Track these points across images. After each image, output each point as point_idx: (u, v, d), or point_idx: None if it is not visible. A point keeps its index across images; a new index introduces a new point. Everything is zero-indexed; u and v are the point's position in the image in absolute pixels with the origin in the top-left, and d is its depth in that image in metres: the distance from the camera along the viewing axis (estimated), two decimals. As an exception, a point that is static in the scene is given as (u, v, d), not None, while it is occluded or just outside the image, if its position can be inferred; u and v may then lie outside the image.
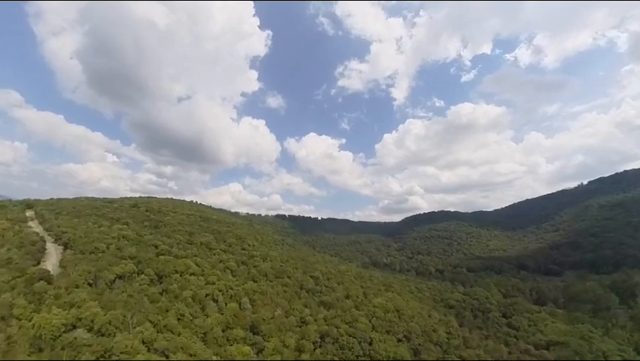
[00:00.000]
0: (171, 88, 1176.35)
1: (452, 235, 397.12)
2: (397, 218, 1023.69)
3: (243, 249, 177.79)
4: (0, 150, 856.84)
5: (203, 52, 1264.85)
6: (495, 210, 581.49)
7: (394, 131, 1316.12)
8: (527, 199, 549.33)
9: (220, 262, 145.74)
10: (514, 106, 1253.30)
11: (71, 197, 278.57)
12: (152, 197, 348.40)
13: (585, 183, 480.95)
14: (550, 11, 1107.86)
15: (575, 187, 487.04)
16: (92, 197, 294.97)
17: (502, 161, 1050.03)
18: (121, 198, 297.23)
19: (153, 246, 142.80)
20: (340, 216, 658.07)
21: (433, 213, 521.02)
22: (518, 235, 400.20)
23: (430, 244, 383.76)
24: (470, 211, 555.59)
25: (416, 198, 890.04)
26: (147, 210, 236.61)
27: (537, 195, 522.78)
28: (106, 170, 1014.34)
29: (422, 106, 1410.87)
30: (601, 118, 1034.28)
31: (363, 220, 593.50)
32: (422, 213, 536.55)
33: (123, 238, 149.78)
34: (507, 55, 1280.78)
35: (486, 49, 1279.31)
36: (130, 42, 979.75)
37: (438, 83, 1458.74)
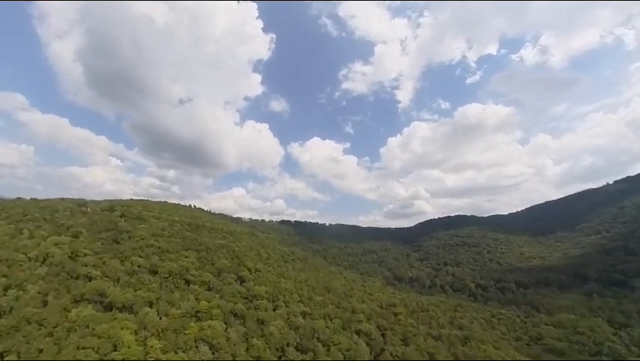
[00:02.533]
0: (172, 90, 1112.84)
1: (479, 242, 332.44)
2: (402, 223, 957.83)
3: (239, 278, 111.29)
4: (5, 152, 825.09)
5: (204, 54, 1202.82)
6: (510, 213, 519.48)
7: (398, 135, 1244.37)
8: (546, 202, 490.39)
9: (197, 313, 78.86)
10: (523, 106, 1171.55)
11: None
12: (143, 199, 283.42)
13: (611, 182, 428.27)
14: (555, 10, 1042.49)
15: (600, 187, 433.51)
16: (68, 198, 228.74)
17: (510, 163, 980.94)
18: (96, 200, 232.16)
19: (84, 278, 77.54)
20: (344, 221, 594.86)
21: (449, 217, 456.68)
22: (550, 240, 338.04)
23: (456, 253, 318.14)
24: (479, 215, 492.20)
25: (422, 203, 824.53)
26: (121, 216, 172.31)
27: (554, 198, 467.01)
28: (110, 173, 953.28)
29: (428, 108, 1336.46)
30: (610, 117, 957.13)
31: (371, 226, 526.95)
32: (436, 218, 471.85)
33: (44, 258, 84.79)
34: (512, 55, 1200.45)
35: (492, 49, 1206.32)
36: (129, 41, 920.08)
37: (443, 85, 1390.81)
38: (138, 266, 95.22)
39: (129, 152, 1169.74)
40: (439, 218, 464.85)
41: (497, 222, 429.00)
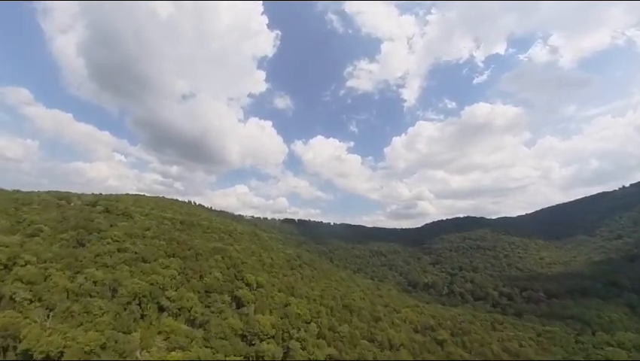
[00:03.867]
0: (175, 85, 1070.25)
1: (493, 246, 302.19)
2: (405, 223, 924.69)
3: (235, 300, 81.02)
4: (10, 146, 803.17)
5: (209, 50, 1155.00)
6: (519, 216, 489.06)
7: (403, 134, 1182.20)
8: (558, 204, 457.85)
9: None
10: (531, 107, 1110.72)
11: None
12: (138, 194, 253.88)
13: (627, 185, 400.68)
14: (565, 9, 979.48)
15: (616, 190, 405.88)
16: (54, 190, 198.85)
17: (517, 165, 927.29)
18: (86, 193, 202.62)
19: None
20: (347, 220, 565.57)
21: (458, 218, 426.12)
22: (567, 244, 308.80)
23: (471, 257, 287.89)
24: (488, 217, 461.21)
25: (425, 204, 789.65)
26: (105, 211, 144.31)
27: (560, 201, 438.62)
28: (113, 169, 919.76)
29: (434, 108, 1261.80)
30: (619, 121, 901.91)
31: (375, 226, 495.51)
32: (444, 219, 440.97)
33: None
34: (521, 55, 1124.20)
35: (500, 49, 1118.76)
36: (131, 34, 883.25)
37: (450, 84, 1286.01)
38: (94, 283, 66.03)
39: (133, 147, 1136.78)
40: (447, 219, 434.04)
41: (508, 225, 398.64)
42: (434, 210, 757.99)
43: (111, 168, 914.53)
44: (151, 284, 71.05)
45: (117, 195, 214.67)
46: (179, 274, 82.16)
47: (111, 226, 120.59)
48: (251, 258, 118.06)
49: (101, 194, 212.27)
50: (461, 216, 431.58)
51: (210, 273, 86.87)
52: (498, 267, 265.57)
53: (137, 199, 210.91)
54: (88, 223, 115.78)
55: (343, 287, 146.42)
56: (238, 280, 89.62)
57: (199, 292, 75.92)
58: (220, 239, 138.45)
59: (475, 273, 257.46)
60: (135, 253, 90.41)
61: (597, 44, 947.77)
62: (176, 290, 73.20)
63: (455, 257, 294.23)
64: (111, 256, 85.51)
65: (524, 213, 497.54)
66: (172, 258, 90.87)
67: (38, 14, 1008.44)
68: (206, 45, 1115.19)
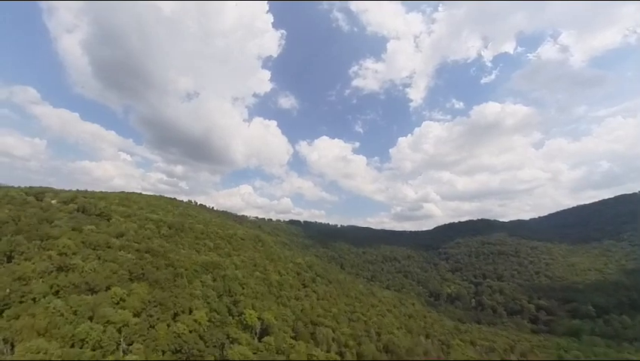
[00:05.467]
0: (178, 82, 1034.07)
1: (516, 251, 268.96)
2: (409, 225, 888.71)
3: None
4: (18, 144, 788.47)
5: (213, 48, 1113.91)
6: (532, 219, 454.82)
7: (409, 135, 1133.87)
8: (573, 207, 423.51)
9: None
10: (541, 107, 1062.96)
11: None
12: (131, 193, 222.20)
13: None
14: (575, 7, 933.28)
15: (637, 193, 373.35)
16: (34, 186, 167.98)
17: (526, 167, 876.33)
18: (80, 190, 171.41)
19: None
20: (352, 222, 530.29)
21: (470, 221, 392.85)
22: (595, 249, 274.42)
23: (493, 264, 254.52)
24: (501, 220, 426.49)
25: (431, 206, 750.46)
26: (79, 210, 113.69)
27: (568, 204, 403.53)
28: (119, 168, 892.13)
29: (440, 108, 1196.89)
30: (630, 122, 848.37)
31: (378, 227, 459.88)
32: (456, 221, 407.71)
33: None
34: (530, 54, 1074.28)
35: (508, 47, 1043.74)
36: (134, 30, 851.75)
37: (457, 84, 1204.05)
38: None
39: (139, 147, 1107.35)
40: (459, 222, 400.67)
41: (524, 229, 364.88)
42: (439, 213, 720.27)
43: (116, 167, 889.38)
44: (81, 342, 39.27)
45: (102, 192, 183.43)
46: (139, 314, 50.39)
47: (74, 230, 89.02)
48: (254, 275, 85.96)
49: (86, 190, 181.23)
50: (474, 219, 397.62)
51: (191, 310, 54.90)
52: (526, 275, 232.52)
53: (126, 197, 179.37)
54: (37, 228, 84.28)
55: (366, 306, 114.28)
56: (234, 316, 57.80)
57: (164, 351, 44.23)
58: (215, 248, 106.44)
59: (501, 282, 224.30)
60: (81, 274, 58.58)
61: (608, 43, 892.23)
62: (128, 346, 41.41)
63: (475, 263, 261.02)
64: (42, 279, 53.90)
65: (537, 217, 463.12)
66: (135, 283, 59.05)
67: (43, 14, 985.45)
68: (210, 43, 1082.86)
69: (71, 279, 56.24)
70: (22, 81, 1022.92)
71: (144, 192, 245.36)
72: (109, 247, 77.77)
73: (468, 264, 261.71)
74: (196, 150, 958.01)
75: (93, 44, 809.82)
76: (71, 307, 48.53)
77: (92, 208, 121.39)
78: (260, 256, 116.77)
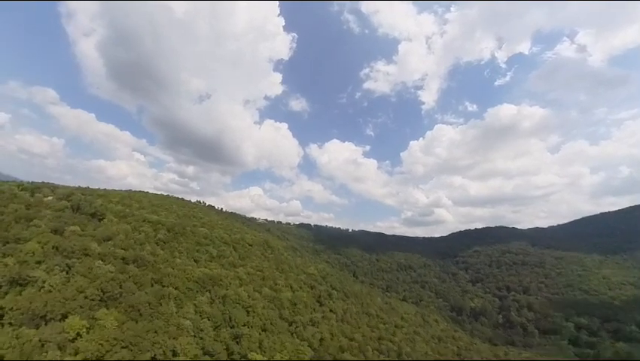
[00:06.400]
0: (190, 83, 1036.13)
1: (541, 262, 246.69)
2: (419, 231, 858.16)
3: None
4: (37, 143, 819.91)
5: (225, 50, 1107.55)
6: (551, 226, 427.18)
7: (421, 138, 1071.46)
8: (596, 214, 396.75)
9: None
10: (559, 108, 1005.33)
11: None
12: (140, 191, 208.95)
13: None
14: (591, 6, 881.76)
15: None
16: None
17: (542, 171, 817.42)
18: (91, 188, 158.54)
19: None
20: (361, 226, 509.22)
21: (488, 228, 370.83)
22: (627, 261, 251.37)
23: (517, 275, 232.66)
24: (520, 227, 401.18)
25: (442, 211, 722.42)
26: (72, 209, 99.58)
27: (587, 211, 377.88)
28: (133, 168, 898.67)
29: (453, 111, 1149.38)
30: None
31: (393, 233, 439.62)
32: (472, 228, 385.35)
33: None
34: (546, 54, 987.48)
35: (523, 48, 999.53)
36: (147, 31, 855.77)
37: (471, 86, 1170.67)
38: None
39: (152, 147, 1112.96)
40: (475, 229, 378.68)
41: (545, 237, 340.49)
42: (450, 218, 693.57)
43: (130, 166, 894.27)
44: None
45: (104, 190, 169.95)
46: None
47: (53, 231, 74.31)
48: (262, 292, 69.63)
49: (87, 187, 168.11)
50: (491, 226, 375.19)
51: (175, 352, 38.70)
52: (555, 288, 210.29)
53: (128, 195, 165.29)
54: (7, 227, 69.63)
55: (391, 327, 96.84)
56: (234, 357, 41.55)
57: None
58: (218, 256, 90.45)
59: (528, 295, 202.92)
60: (38, 292, 43.12)
61: (629, 42, 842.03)
62: None
63: (497, 274, 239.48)
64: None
65: (555, 224, 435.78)
66: (105, 308, 43.37)
67: (62, 18, 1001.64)
68: (222, 45, 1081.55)
69: (18, 301, 40.78)
70: (41, 83, 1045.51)
71: (157, 192, 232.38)
72: (86, 255, 62.40)
73: (489, 275, 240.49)
74: (208, 151, 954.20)
75: (108, 46, 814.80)
76: None
77: (87, 206, 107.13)
78: (269, 265, 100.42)
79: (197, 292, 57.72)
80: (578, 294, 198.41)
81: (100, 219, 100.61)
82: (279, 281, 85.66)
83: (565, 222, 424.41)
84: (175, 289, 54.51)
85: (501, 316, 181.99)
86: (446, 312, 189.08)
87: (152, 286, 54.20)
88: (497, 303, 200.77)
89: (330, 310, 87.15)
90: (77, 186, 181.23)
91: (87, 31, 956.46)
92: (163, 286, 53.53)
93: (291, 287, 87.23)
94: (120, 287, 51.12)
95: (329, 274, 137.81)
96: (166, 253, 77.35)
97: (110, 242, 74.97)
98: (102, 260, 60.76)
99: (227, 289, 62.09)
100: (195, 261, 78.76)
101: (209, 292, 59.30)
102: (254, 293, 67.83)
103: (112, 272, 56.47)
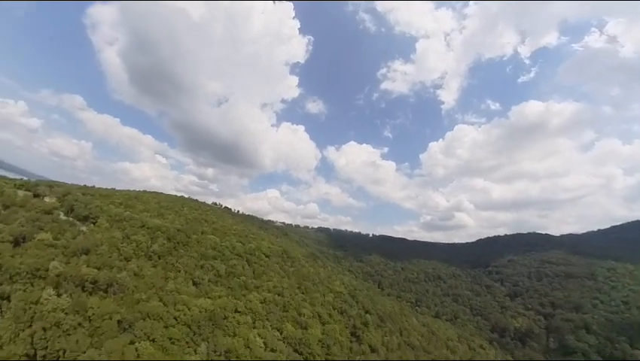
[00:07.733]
0: (208, 87, 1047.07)
1: (591, 274, 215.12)
2: (438, 236, 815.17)
3: None
4: (67, 146, 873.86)
5: (241, 54, 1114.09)
6: (585, 233, 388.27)
7: (441, 139, 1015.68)
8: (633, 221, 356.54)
9: None
10: (590, 103, 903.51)
11: None
12: (150, 192, 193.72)
13: None
14: None
15: None
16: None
17: (572, 173, 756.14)
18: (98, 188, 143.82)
19: None
20: (378, 230, 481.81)
21: (520, 235, 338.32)
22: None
23: (562, 289, 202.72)
24: (553, 234, 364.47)
25: (463, 215, 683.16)
26: (65, 210, 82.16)
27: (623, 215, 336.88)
28: (155, 170, 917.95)
29: (474, 110, 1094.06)
30: None
31: (415, 238, 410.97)
32: (501, 235, 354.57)
33: None
34: (572, 46, 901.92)
35: (549, 41, 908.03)
36: (165, 36, 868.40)
37: (493, 84, 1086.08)
38: None
39: (173, 150, 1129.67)
40: (505, 235, 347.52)
41: (588, 245, 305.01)
42: (472, 223, 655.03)
43: (153, 169, 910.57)
44: None
45: (108, 189, 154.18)
46: None
47: (13, 243, 56.28)
48: (282, 331, 48.83)
49: (85, 186, 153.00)
50: (524, 232, 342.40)
51: None
52: (612, 306, 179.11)
53: (136, 196, 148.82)
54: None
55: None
56: None
57: None
58: (227, 275, 70.40)
59: (583, 314, 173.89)
60: None
61: None
62: None
63: (538, 288, 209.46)
64: None
65: (591, 230, 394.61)
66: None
67: (87, 29, 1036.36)
68: (239, 49, 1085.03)
69: None
70: (70, 90, 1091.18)
71: (177, 193, 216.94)
72: (40, 277, 43.41)
73: (529, 288, 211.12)
74: (226, 153, 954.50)
75: (129, 53, 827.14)
76: None
77: (81, 208, 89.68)
78: (289, 284, 79.63)
79: (187, 344, 37.90)
80: (637, 313, 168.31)
81: (94, 223, 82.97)
82: (304, 310, 64.93)
83: (597, 228, 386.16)
84: (152, 341, 34.96)
85: (551, 339, 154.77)
86: (486, 332, 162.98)
87: (117, 335, 34.67)
88: (543, 322, 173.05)
89: (370, 348, 65.50)
90: (104, 187, 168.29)
91: (110, 39, 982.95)
92: (132, 343, 33.95)
93: (319, 317, 66.32)
94: (64, 340, 31.67)
95: (357, 290, 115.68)
96: (157, 273, 57.90)
97: (84, 257, 56.07)
98: (57, 287, 41.49)
99: (234, 335, 42.13)
100: (194, 284, 59.20)
101: (206, 343, 39.44)
102: (272, 335, 47.54)
103: (63, 309, 37.14)
